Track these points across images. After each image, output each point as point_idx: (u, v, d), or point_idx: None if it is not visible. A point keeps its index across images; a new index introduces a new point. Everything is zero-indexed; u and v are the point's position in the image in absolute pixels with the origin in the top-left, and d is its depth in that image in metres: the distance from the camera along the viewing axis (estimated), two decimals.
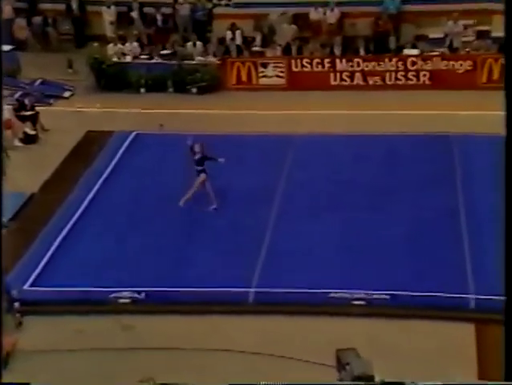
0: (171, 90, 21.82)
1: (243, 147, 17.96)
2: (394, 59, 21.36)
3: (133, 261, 13.67)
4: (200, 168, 14.98)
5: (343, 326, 11.95)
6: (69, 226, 14.87)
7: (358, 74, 21.51)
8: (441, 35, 22.08)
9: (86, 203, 15.78)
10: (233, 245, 14.04)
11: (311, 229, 14.51)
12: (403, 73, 21.30)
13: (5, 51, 22.02)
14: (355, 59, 21.57)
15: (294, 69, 21.75)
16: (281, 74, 21.78)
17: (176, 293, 12.67)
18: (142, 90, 21.84)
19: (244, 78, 21.86)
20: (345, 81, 21.57)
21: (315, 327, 11.94)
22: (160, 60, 22.38)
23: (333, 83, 21.61)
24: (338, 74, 21.59)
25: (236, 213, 15.14)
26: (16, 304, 12.05)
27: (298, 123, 19.05)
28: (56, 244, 14.26)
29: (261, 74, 21.82)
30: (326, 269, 13.22)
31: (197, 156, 14.93)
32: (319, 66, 21.66)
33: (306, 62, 21.73)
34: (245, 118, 19.65)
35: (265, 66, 21.82)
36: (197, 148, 14.93)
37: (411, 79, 21.31)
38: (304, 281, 12.81)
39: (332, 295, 12.52)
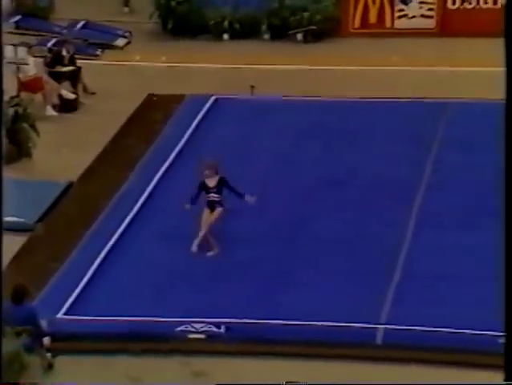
0: (266, 36, 22.03)
1: (370, 117, 18.02)
2: None
3: (209, 280, 13.83)
4: (217, 197, 14.26)
5: None
6: (120, 230, 15.15)
7: None
8: None
9: (144, 196, 16.06)
10: (353, 264, 14.06)
11: (467, 242, 14.39)
12: None
13: None
14: None
15: (449, 6, 21.66)
16: (429, 14, 21.77)
17: (269, 327, 12.73)
18: (225, 36, 22.12)
19: (373, 19, 21.92)
20: None
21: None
22: None
23: None
24: None
25: (357, 217, 15.17)
26: (46, 339, 12.27)
27: (454, 84, 19.03)
28: (102, 256, 14.50)
29: (399, 14, 21.87)
30: (491, 302, 13.00)
31: (213, 179, 14.19)
32: (489, 1, 21.44)
33: None
34: (374, 76, 19.69)
35: (405, 1, 21.73)
36: (208, 168, 14.28)
37: None
38: (457, 317, 12.70)
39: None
